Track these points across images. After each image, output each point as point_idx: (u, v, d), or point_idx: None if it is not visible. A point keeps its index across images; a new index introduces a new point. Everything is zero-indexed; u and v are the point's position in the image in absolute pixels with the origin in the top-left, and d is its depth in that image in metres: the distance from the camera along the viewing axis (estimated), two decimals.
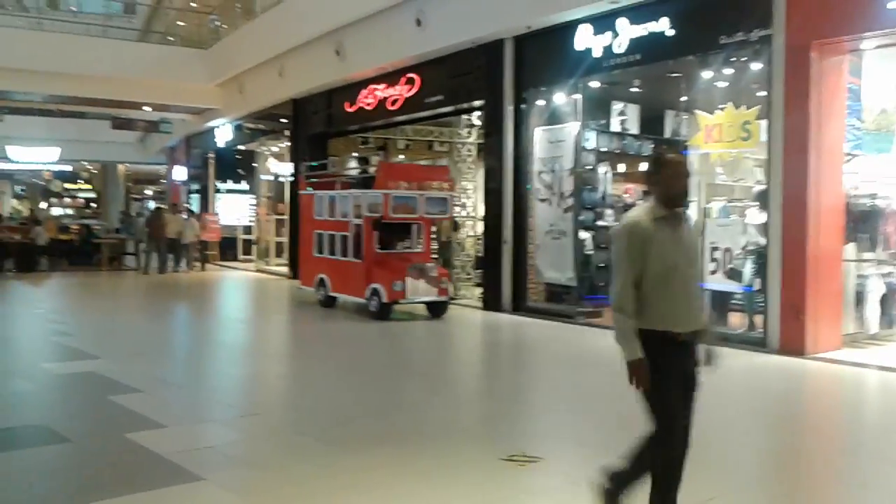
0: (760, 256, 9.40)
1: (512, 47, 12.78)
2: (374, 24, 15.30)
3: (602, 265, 12.81)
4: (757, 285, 9.45)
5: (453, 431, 5.91)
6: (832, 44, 8.76)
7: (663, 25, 10.36)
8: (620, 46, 10.94)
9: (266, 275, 20.68)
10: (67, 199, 44.18)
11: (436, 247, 15.02)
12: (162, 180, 38.36)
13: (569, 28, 11.66)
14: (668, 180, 3.56)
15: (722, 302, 10.03)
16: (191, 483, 4.56)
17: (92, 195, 44.32)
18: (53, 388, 7.41)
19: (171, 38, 25.67)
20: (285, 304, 15.26)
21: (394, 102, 15.67)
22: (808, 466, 5.45)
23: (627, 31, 10.82)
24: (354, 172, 13.90)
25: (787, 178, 8.94)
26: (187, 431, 5.83)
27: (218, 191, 27.25)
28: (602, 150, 12.86)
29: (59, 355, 8.99)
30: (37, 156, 33.11)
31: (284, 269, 19.92)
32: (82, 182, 45.16)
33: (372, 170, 12.83)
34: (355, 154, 18.52)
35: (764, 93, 9.35)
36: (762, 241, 9.39)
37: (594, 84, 12.15)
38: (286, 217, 20.81)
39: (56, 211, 40.27)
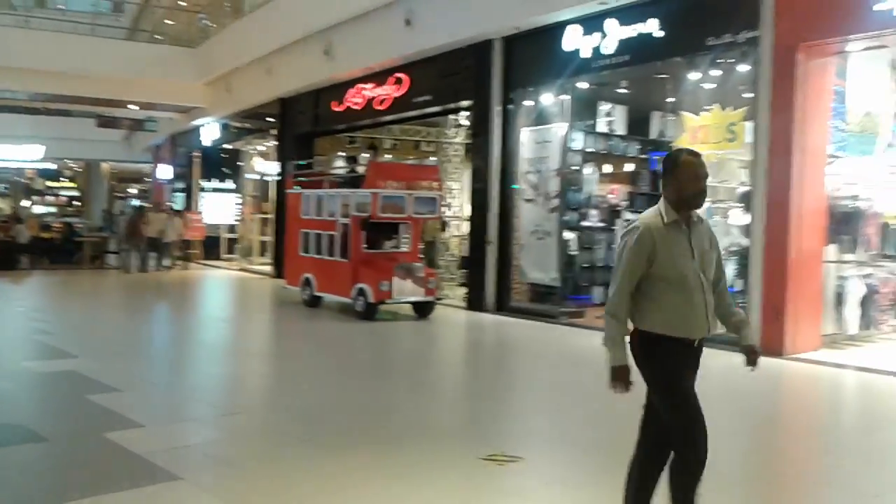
0: (742, 258, 9.42)
1: (500, 48, 12.77)
2: (362, 24, 15.26)
3: (586, 266, 12.84)
4: (738, 286, 9.47)
5: (434, 431, 5.88)
6: (818, 46, 8.80)
7: (651, 27, 10.38)
8: (608, 47, 10.95)
9: (249, 274, 20.57)
10: (50, 197, 43.77)
11: (420, 246, 14.99)
12: (146, 179, 38.11)
13: (557, 29, 11.66)
14: (682, 182, 3.39)
15: None
16: (168, 482, 4.50)
17: (75, 193, 43.95)
18: (32, 386, 7.31)
19: (159, 37, 25.53)
20: (269, 304, 15.16)
21: (382, 102, 15.63)
22: (785, 466, 5.46)
23: (616, 33, 10.83)
24: (343, 171, 13.83)
25: (771, 179, 8.98)
26: (166, 431, 5.76)
27: (203, 189, 27.12)
28: (588, 150, 12.89)
29: (38, 354, 8.88)
30: (21, 153, 32.84)
31: (268, 269, 19.83)
32: (66, 180, 44.78)
33: (361, 169, 12.77)
34: (342, 153, 18.45)
35: (750, 94, 9.38)
36: (744, 242, 9.41)
37: (582, 85, 12.17)
38: (271, 216, 20.73)
39: (38, 209, 39.90)
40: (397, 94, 15.19)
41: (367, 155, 14.06)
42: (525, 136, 12.64)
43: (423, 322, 11.80)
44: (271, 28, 18.35)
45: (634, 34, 10.61)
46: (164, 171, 29.60)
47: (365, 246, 12.01)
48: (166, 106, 24.46)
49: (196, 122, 24.84)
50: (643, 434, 3.61)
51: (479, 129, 13.34)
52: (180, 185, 28.58)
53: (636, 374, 3.44)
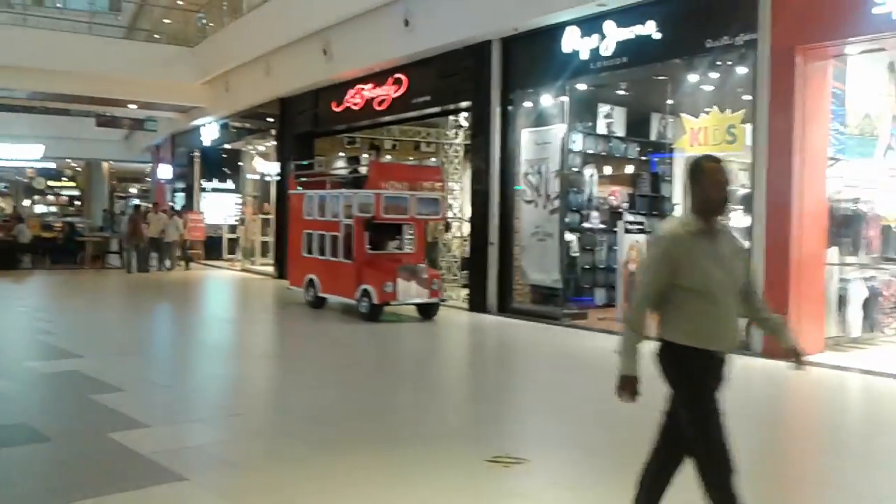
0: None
1: (499, 49, 12.79)
2: (361, 24, 15.28)
3: (587, 267, 12.87)
4: None
5: (438, 433, 5.91)
6: (817, 48, 8.82)
7: (650, 29, 10.41)
8: (607, 49, 10.98)
9: (251, 274, 20.58)
10: (51, 197, 43.76)
11: None
12: (147, 178, 38.11)
13: (556, 30, 11.69)
14: (706, 189, 3.34)
15: None
16: (173, 483, 4.52)
17: (76, 193, 43.92)
18: (36, 386, 7.33)
19: (158, 36, 25.52)
20: (272, 304, 15.19)
21: (381, 102, 15.65)
22: (788, 468, 5.48)
23: (614, 34, 10.86)
24: (345, 172, 13.82)
25: (772, 181, 9.00)
26: (170, 431, 5.79)
27: (203, 189, 27.12)
28: (588, 152, 12.91)
29: (41, 354, 8.91)
30: (20, 153, 32.82)
31: (270, 269, 19.84)
32: (66, 180, 44.75)
33: (363, 169, 12.75)
34: (342, 154, 18.49)
35: (749, 97, 9.41)
36: (745, 244, 9.43)
37: (581, 86, 12.19)
38: (272, 216, 20.75)
39: (39, 209, 39.90)
40: (396, 95, 15.21)
41: (369, 155, 14.09)
42: (525, 138, 12.67)
43: (426, 323, 11.79)
44: (269, 28, 18.37)
45: (633, 36, 10.63)
46: (165, 171, 29.60)
47: (369, 247, 12.00)
48: (165, 105, 24.44)
49: (196, 122, 24.85)
50: (661, 439, 3.60)
51: (479, 131, 13.36)
52: (181, 185, 28.56)
53: (644, 386, 3.43)
